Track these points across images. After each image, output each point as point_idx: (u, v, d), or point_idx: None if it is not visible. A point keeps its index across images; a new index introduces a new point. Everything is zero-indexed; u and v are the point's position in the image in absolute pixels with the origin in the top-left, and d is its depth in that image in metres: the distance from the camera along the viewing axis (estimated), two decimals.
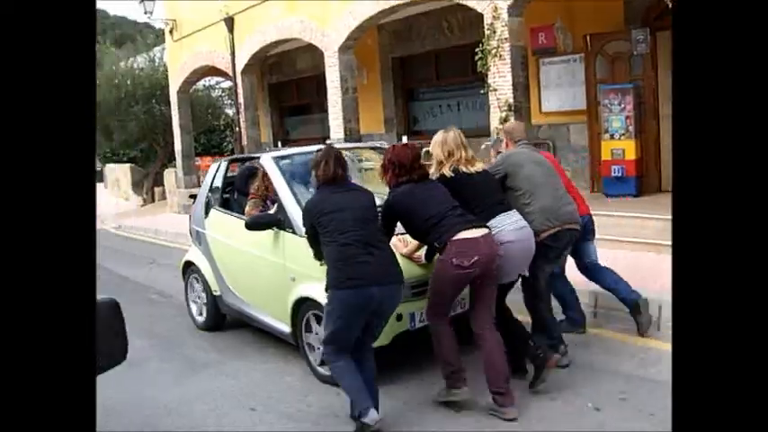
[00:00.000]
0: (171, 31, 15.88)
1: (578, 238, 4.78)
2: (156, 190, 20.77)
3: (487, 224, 4.05)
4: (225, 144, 22.80)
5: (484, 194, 4.24)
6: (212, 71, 15.72)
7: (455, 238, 3.85)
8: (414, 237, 4.32)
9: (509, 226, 4.16)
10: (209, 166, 20.39)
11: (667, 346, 4.73)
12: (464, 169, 4.22)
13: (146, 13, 14.71)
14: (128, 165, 23.38)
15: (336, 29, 10.70)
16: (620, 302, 5.21)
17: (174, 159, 17.72)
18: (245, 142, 14.40)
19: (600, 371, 4.61)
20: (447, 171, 4.21)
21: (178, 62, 16.13)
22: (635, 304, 5.06)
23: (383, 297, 3.77)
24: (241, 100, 14.13)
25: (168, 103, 17.31)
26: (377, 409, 3.77)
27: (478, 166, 4.31)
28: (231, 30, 13.47)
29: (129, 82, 18.11)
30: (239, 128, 14.50)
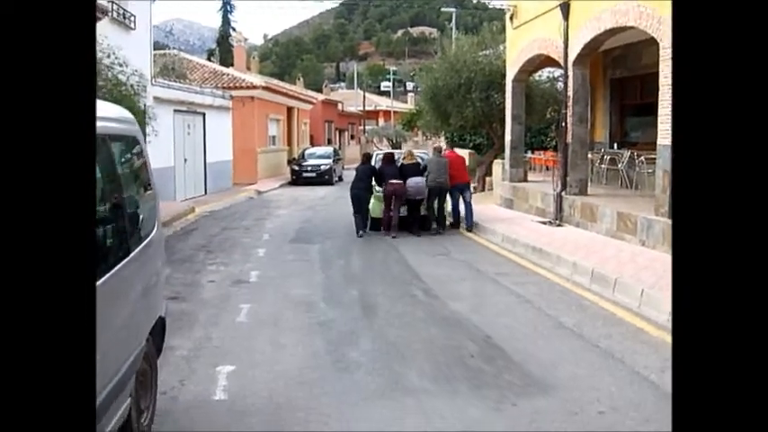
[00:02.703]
0: (511, 18, 15.22)
1: (461, 189, 13.20)
2: (488, 180, 20.56)
3: (407, 180, 12.54)
4: (548, 140, 21.57)
5: (410, 170, 12.75)
6: (548, 61, 14.69)
7: (388, 182, 12.52)
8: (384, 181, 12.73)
9: (413, 180, 12.55)
10: (541, 161, 19.68)
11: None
12: (406, 162, 13.00)
13: None
14: (468, 151, 23.63)
15: None
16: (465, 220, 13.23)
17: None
18: (569, 139, 13.14)
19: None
20: (398, 163, 13.08)
21: (515, 50, 15.45)
22: (469, 223, 13.15)
23: (359, 195, 12.85)
24: (570, 93, 12.89)
25: (505, 92, 16.78)
26: (363, 229, 12.84)
27: (414, 161, 13.14)
28: (566, 16, 12.29)
29: (470, 68, 17.98)
30: (565, 123, 13.26)
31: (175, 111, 19.19)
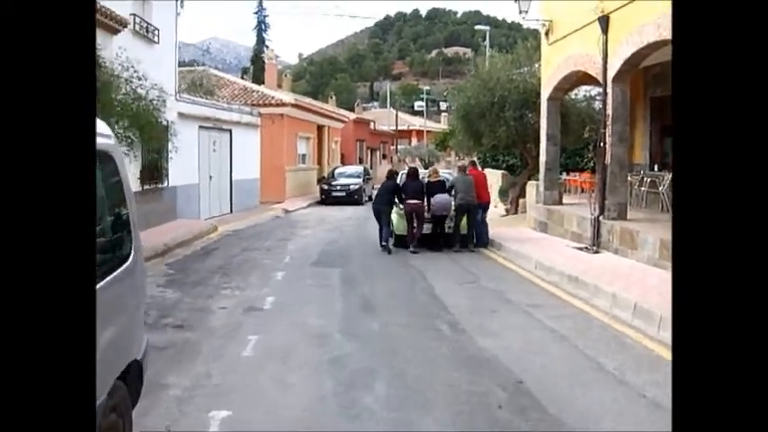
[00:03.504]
0: (546, 34, 14.57)
1: (483, 209, 13.92)
2: (522, 201, 19.82)
3: (432, 197, 13.35)
4: (584, 162, 20.77)
5: (435, 188, 13.48)
6: (584, 78, 13.99)
7: (407, 201, 13.32)
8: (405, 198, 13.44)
9: (438, 197, 13.32)
10: (576, 182, 18.89)
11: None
12: (431, 180, 13.82)
13: (520, 12, 13.64)
14: (501, 172, 22.93)
15: None
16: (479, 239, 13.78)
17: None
18: (608, 161, 12.39)
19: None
20: (425, 181, 13.85)
21: (550, 67, 14.78)
22: (485, 241, 13.78)
23: (380, 209, 13.66)
24: (609, 111, 12.17)
25: (539, 111, 16.10)
26: (387, 242, 13.48)
27: (439, 179, 13.87)
28: (605, 30, 11.60)
29: (503, 86, 17.34)
30: (604, 143, 12.53)
31: (200, 127, 18.86)
